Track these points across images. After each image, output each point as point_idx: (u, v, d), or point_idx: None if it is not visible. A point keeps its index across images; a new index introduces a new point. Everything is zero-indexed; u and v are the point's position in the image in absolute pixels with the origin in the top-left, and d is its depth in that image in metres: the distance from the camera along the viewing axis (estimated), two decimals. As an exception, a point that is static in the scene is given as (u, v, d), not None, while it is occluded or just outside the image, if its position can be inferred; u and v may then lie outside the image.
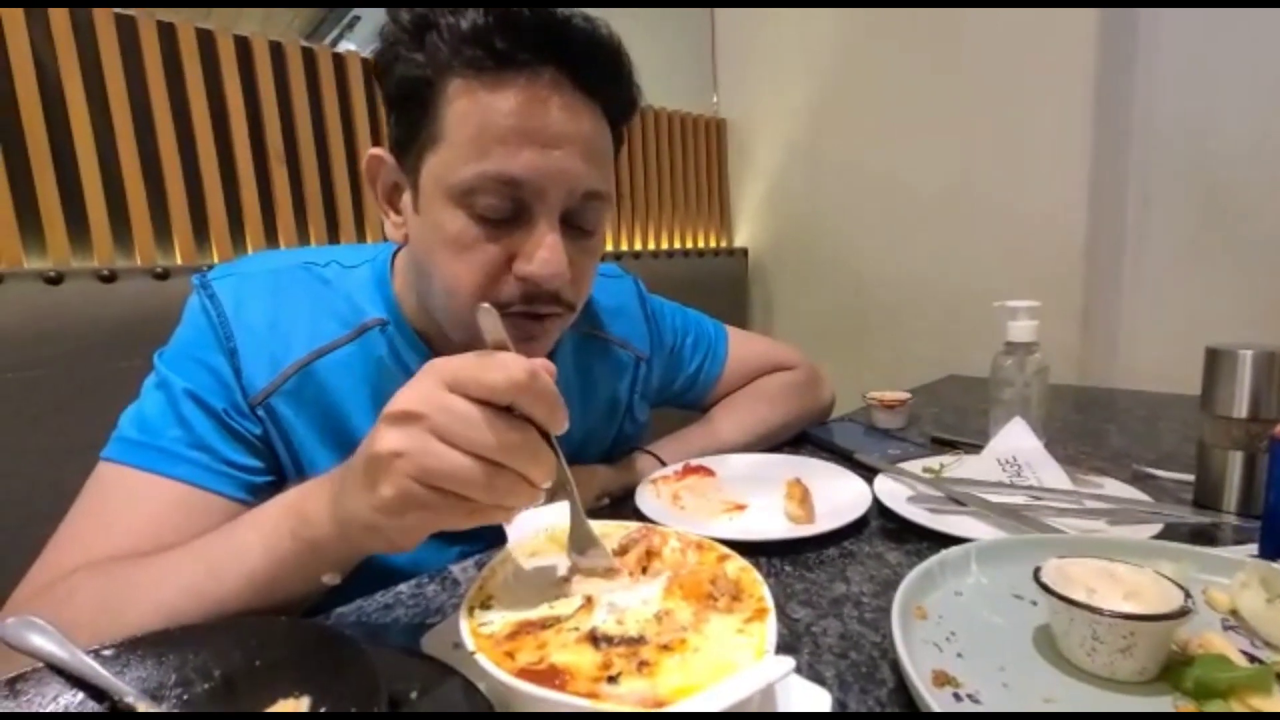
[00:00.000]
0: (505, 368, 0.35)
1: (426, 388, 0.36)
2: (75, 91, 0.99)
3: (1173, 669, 0.37)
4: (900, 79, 1.65)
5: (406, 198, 0.56)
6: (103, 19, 1.01)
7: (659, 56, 2.04)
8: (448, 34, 0.49)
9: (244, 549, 0.43)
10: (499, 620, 0.37)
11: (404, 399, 0.36)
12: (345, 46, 1.27)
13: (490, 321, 0.38)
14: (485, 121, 0.49)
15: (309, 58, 1.22)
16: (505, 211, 0.52)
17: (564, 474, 0.40)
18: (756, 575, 0.39)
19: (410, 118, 0.53)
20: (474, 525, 0.37)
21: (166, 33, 1.07)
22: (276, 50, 1.18)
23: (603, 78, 0.54)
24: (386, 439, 0.36)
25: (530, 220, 0.52)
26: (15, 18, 0.93)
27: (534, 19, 0.49)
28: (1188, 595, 0.37)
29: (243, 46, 1.14)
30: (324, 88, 1.24)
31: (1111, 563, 0.41)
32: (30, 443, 0.90)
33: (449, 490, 0.35)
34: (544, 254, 0.52)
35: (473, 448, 0.35)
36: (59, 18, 0.97)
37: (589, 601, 0.38)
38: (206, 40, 1.10)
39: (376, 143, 1.31)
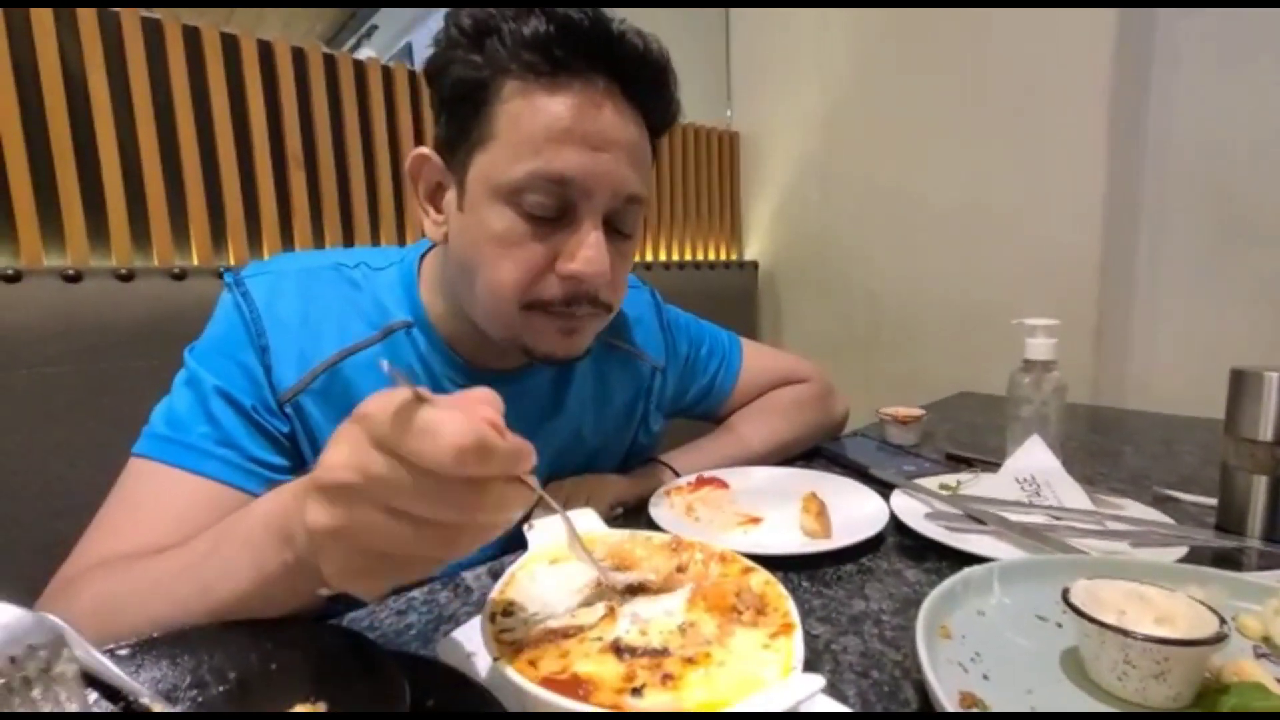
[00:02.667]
0: (440, 440, 0.28)
1: (351, 447, 0.30)
2: (100, 92, 1.00)
3: (1206, 696, 0.36)
4: (914, 93, 1.65)
5: (449, 196, 0.58)
6: (129, 22, 1.02)
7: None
8: (509, 39, 0.51)
9: (234, 567, 0.41)
10: (520, 627, 0.36)
11: (330, 463, 0.30)
12: (364, 53, 1.28)
13: (398, 379, 0.30)
14: (540, 123, 0.51)
15: (330, 64, 1.23)
16: (552, 210, 0.53)
17: (545, 498, 0.35)
18: (782, 589, 0.39)
19: (462, 117, 0.54)
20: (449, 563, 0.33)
21: (191, 36, 1.08)
22: (298, 55, 1.19)
23: (650, 90, 0.56)
24: (316, 514, 0.31)
25: (575, 220, 0.54)
26: (44, 19, 0.95)
27: (593, 31, 0.51)
28: (1223, 620, 0.36)
29: (265, 51, 1.15)
30: (344, 94, 1.25)
31: (1142, 585, 0.40)
32: (46, 439, 0.90)
33: (405, 553, 0.31)
34: (588, 252, 0.53)
35: (422, 515, 0.29)
36: (87, 20, 0.98)
37: (611, 611, 0.38)
38: (230, 44, 1.12)
39: (394, 150, 1.33)
